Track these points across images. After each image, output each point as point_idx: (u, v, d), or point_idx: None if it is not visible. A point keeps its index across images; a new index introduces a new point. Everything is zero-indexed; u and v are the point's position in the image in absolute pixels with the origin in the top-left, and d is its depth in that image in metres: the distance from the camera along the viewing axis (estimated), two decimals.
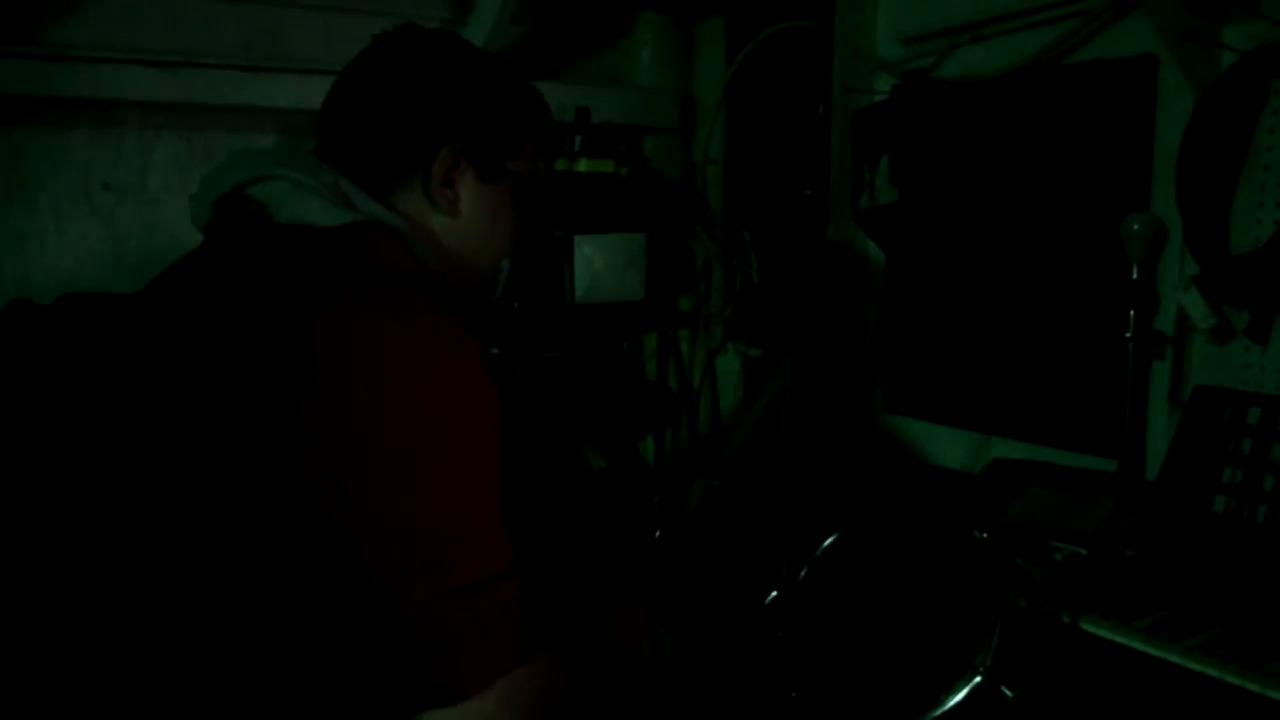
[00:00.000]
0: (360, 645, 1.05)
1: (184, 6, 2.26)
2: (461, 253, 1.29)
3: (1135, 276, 1.89)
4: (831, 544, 1.46)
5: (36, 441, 1.21)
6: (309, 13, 2.40)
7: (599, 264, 2.52)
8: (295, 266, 1.11)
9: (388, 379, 1.02)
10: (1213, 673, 1.37)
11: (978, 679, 1.32)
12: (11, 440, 1.27)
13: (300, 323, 1.05)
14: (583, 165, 2.53)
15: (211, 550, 1.04)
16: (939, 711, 1.32)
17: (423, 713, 1.04)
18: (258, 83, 2.22)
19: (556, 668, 1.12)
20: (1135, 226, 1.87)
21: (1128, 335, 1.90)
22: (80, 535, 1.12)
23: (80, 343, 1.30)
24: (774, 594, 1.48)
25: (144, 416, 1.11)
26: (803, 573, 1.48)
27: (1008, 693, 1.32)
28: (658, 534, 1.65)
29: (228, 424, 1.04)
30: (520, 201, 1.33)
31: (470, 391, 1.06)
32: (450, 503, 1.05)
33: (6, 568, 1.14)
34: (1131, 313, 1.90)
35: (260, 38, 2.35)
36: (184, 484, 1.06)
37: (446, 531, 1.04)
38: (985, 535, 1.42)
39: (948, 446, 2.35)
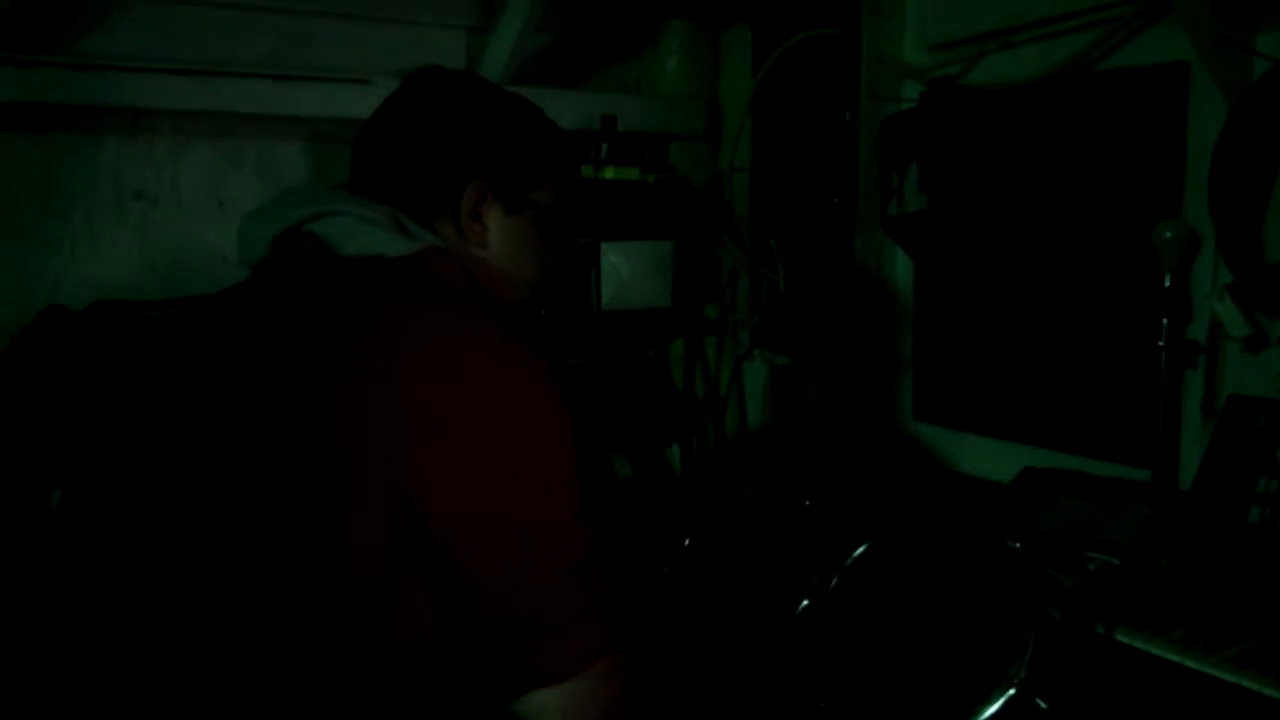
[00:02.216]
0: (462, 633, 1.08)
1: (213, 16, 2.27)
2: (494, 282, 1.33)
3: (1168, 285, 1.88)
4: (863, 553, 1.46)
5: (104, 447, 1.22)
6: (336, 22, 2.41)
7: (625, 271, 2.52)
8: (379, 292, 1.16)
9: (490, 392, 1.09)
10: (1250, 685, 1.36)
11: (1012, 690, 1.31)
12: (81, 443, 1.28)
13: (400, 342, 1.09)
14: (609, 173, 2.53)
15: (307, 550, 1.07)
16: None
17: (526, 694, 1.08)
18: (286, 91, 2.22)
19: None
20: (1167, 234, 1.86)
21: (1160, 344, 1.89)
22: (165, 541, 1.13)
23: (135, 358, 1.32)
24: (805, 603, 1.48)
25: (222, 432, 1.13)
26: (834, 582, 1.47)
27: (1042, 704, 1.31)
28: (687, 542, 1.65)
29: (315, 434, 1.07)
30: (545, 230, 1.39)
31: (553, 397, 1.12)
32: (552, 496, 1.11)
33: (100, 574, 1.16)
34: (1164, 321, 1.89)
35: (288, 47, 2.36)
36: (268, 486, 1.08)
37: (550, 522, 1.10)
38: (1019, 545, 1.41)
39: (976, 455, 2.34)
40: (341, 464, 1.05)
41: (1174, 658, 1.43)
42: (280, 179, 2.39)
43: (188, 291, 2.19)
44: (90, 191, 2.19)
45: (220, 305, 1.27)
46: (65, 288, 2.14)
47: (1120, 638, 1.49)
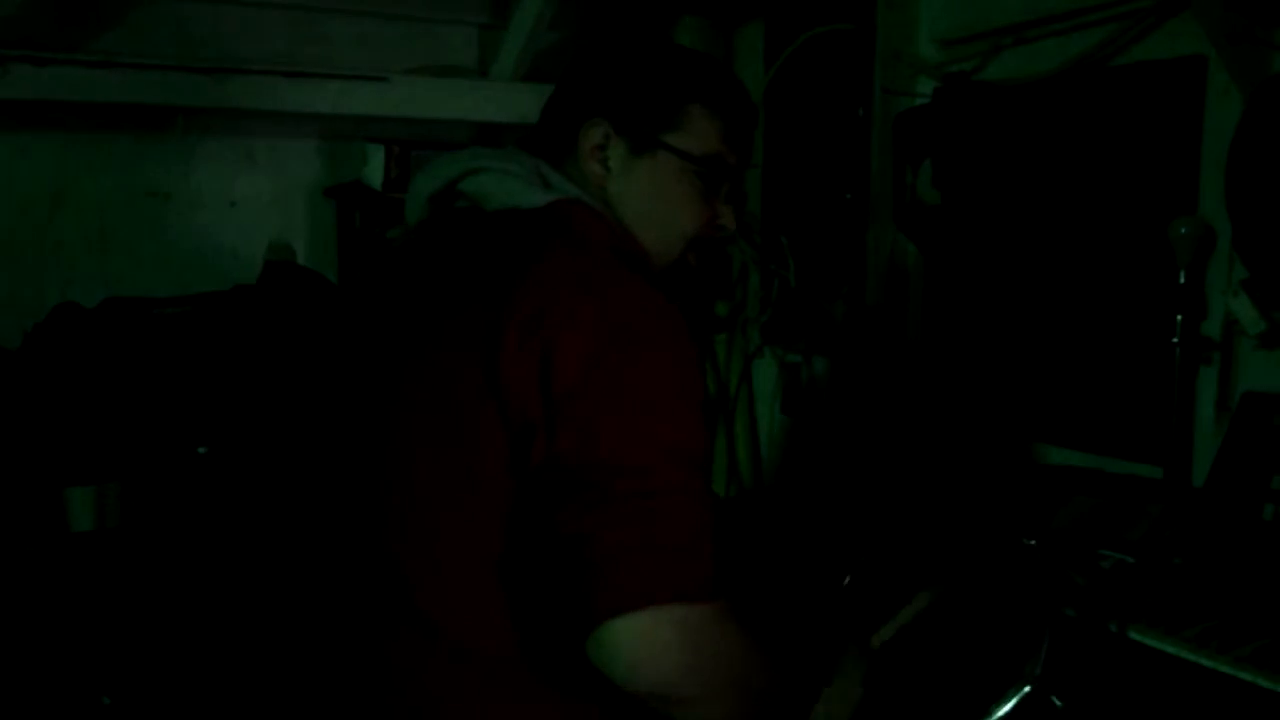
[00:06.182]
0: (541, 560, 1.08)
1: (228, 14, 2.28)
2: (629, 225, 1.30)
3: (1182, 281, 1.87)
4: (875, 553, 1.45)
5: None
6: (349, 19, 2.42)
7: None
8: (512, 243, 1.18)
9: (618, 333, 1.08)
10: (1264, 683, 1.35)
11: (1028, 688, 1.30)
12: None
13: (528, 283, 1.11)
14: None
15: (421, 477, 1.13)
16: None
17: (595, 631, 1.02)
18: (300, 88, 2.23)
19: (739, 625, 1.09)
20: (1183, 230, 1.85)
21: (1175, 340, 1.88)
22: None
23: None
24: (818, 604, 1.47)
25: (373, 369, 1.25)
26: (845, 580, 1.47)
27: (1058, 702, 1.30)
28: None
29: (450, 368, 1.13)
30: (688, 176, 1.32)
31: (681, 341, 1.11)
32: (644, 432, 1.07)
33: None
34: (1179, 318, 1.87)
35: (303, 44, 2.36)
36: (400, 416, 1.17)
37: (629, 451, 1.06)
38: (1034, 542, 1.40)
39: (987, 452, 2.33)
40: (466, 388, 1.09)
41: (1188, 656, 1.42)
42: (293, 176, 2.40)
43: (199, 289, 2.20)
44: (104, 189, 2.20)
45: (393, 270, 1.35)
46: (77, 284, 2.15)
47: (1134, 636, 1.48)
